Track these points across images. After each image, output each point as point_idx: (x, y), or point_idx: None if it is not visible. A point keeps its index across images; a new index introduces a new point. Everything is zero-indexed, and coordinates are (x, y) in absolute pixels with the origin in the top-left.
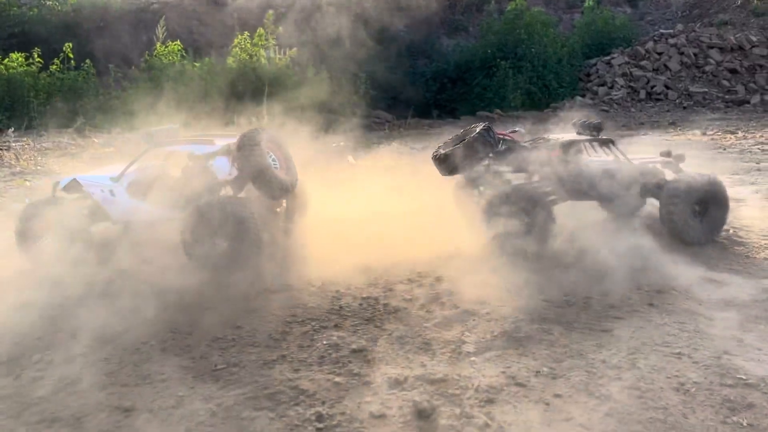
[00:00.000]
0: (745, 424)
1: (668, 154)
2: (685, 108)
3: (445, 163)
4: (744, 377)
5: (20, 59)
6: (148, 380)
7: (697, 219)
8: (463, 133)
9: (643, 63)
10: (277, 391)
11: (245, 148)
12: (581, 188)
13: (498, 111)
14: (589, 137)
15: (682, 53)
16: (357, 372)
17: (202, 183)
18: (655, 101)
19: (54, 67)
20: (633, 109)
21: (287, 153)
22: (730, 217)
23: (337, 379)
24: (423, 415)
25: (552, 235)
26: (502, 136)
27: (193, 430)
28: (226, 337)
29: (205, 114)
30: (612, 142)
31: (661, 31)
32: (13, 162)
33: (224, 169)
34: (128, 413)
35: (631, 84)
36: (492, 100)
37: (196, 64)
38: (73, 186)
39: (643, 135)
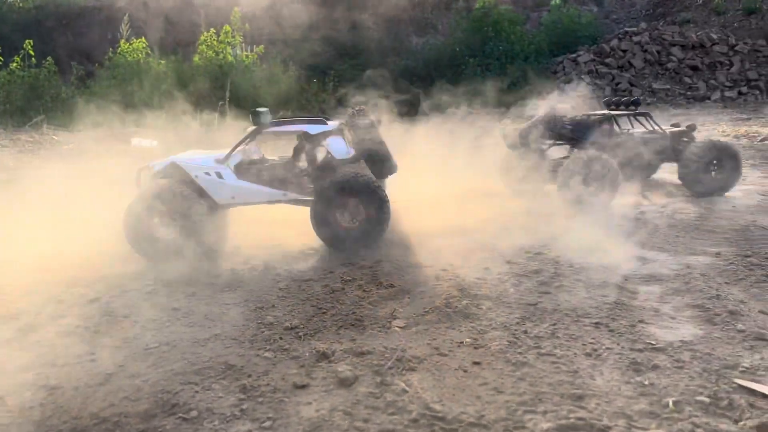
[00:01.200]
0: (646, 383)
1: (678, 125)
2: (648, 104)
3: (518, 139)
4: (654, 342)
5: None
6: (78, 360)
7: (709, 175)
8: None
9: (608, 60)
10: (205, 367)
11: (361, 125)
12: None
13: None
14: (629, 111)
15: (645, 51)
16: (287, 347)
17: (323, 162)
18: (620, 97)
19: (14, 64)
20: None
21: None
22: (672, 206)
23: (267, 354)
24: (344, 383)
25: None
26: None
27: (116, 404)
28: (161, 318)
29: (167, 110)
30: (649, 115)
31: (626, 29)
32: None
33: (341, 148)
34: (53, 391)
35: (597, 81)
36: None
37: (161, 61)
38: (169, 170)
39: None
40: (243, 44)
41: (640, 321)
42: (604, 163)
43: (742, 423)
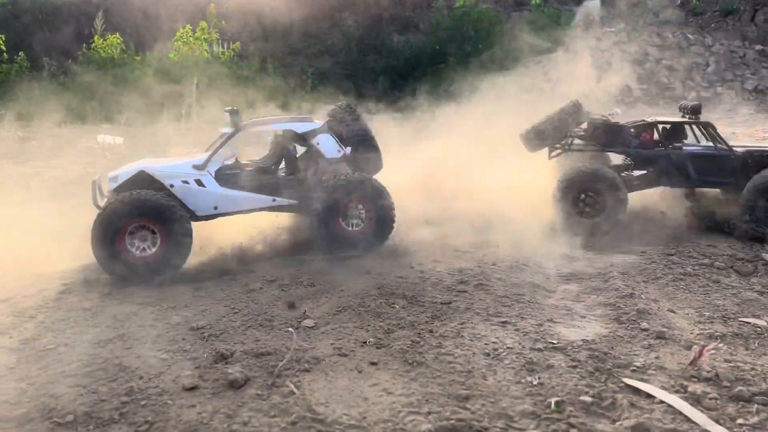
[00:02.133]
0: (535, 383)
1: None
2: (626, 103)
3: (530, 138)
4: (555, 342)
5: None
6: None
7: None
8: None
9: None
10: (98, 369)
11: (348, 118)
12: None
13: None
14: (688, 119)
15: (623, 51)
16: (187, 348)
17: (315, 163)
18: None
19: None
20: None
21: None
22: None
23: (164, 355)
24: (234, 385)
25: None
26: (600, 116)
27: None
28: (68, 318)
29: (142, 107)
30: (711, 126)
31: (604, 29)
32: None
33: (332, 147)
34: None
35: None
36: (442, 95)
37: (136, 57)
38: (137, 180)
39: None
40: (219, 41)
41: (549, 320)
42: (610, 183)
43: (619, 423)
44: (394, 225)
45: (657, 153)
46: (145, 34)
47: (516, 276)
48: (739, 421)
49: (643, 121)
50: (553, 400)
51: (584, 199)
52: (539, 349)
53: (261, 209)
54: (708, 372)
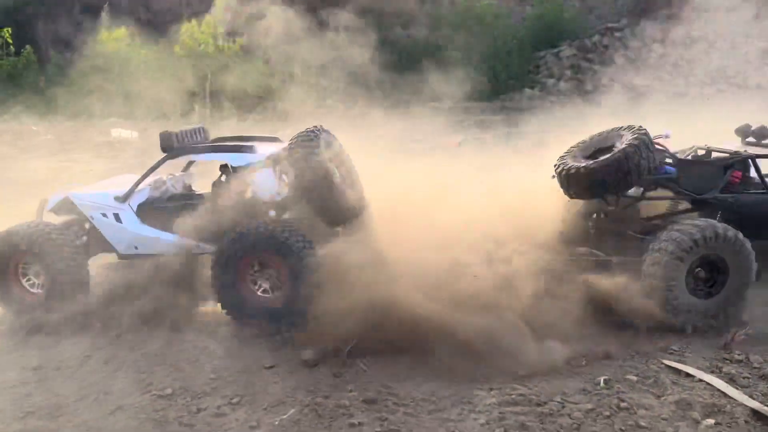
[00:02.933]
0: (583, 363)
1: None
2: (629, 99)
3: (577, 184)
4: None
5: None
6: None
7: None
8: (601, 139)
9: (590, 56)
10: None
11: (299, 156)
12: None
13: (447, 102)
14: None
15: (627, 47)
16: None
17: (242, 205)
18: (601, 93)
19: None
20: (579, 101)
21: (350, 164)
22: None
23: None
24: (308, 365)
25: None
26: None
27: None
28: None
29: (150, 102)
30: None
31: (608, 24)
32: None
33: (269, 186)
34: None
35: (578, 76)
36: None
37: (142, 51)
38: (64, 206)
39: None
40: (224, 35)
41: None
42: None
43: (663, 398)
44: (313, 299)
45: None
46: (150, 24)
47: None
48: None
49: (709, 150)
50: (602, 378)
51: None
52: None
53: (187, 254)
54: (739, 355)
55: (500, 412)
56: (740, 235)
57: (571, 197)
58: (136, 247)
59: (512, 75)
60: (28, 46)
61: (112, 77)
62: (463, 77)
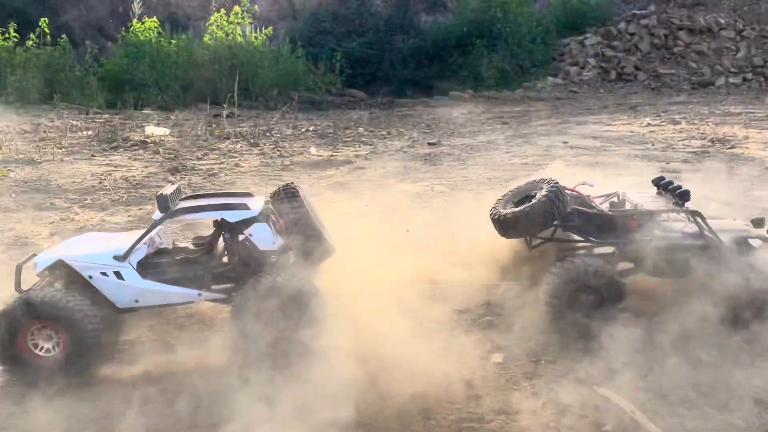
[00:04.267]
0: None
1: (761, 224)
2: (653, 89)
3: (504, 227)
4: None
5: None
6: None
7: None
8: (526, 189)
9: (615, 43)
10: None
11: (289, 208)
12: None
13: (470, 91)
14: (672, 207)
15: (652, 34)
16: None
17: (246, 256)
18: (625, 82)
19: (30, 42)
20: (602, 90)
21: (316, 211)
22: None
23: None
24: None
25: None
26: (570, 192)
27: None
28: None
29: (182, 93)
30: (700, 215)
31: (634, 11)
32: None
33: (266, 237)
34: None
35: (603, 64)
36: (467, 78)
37: (172, 41)
38: (57, 268)
39: (579, 125)
40: (252, 24)
41: None
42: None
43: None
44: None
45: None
46: (178, 12)
47: None
48: None
49: (617, 198)
50: None
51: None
52: None
53: (186, 303)
54: None
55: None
56: (613, 273)
57: (503, 236)
58: (136, 301)
59: (536, 63)
60: (64, 36)
61: (144, 67)
62: (488, 65)
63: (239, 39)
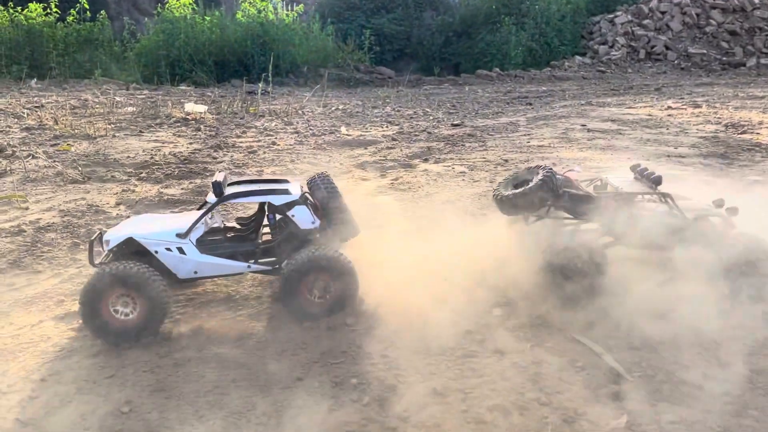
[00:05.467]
0: None
1: (721, 204)
2: (682, 69)
3: (505, 206)
4: None
5: (38, 9)
6: None
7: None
8: (524, 174)
9: (645, 22)
10: None
11: (322, 189)
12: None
13: (497, 69)
14: (647, 190)
15: (684, 13)
16: None
17: (291, 234)
18: (654, 61)
19: (71, 18)
20: (630, 70)
21: (343, 196)
22: None
23: None
24: None
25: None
26: (561, 177)
27: None
28: None
29: (215, 69)
30: (670, 196)
31: None
32: (52, 125)
33: (306, 218)
34: None
35: (632, 43)
36: (494, 57)
37: (207, 17)
38: (126, 245)
39: (600, 108)
40: (283, 0)
41: None
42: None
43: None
44: (355, 300)
45: None
46: None
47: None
48: None
49: (600, 182)
50: None
51: None
52: None
53: (238, 274)
54: None
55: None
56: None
57: (504, 214)
58: (195, 272)
59: (564, 41)
60: (102, 11)
61: (179, 43)
62: (515, 43)
63: (271, 16)
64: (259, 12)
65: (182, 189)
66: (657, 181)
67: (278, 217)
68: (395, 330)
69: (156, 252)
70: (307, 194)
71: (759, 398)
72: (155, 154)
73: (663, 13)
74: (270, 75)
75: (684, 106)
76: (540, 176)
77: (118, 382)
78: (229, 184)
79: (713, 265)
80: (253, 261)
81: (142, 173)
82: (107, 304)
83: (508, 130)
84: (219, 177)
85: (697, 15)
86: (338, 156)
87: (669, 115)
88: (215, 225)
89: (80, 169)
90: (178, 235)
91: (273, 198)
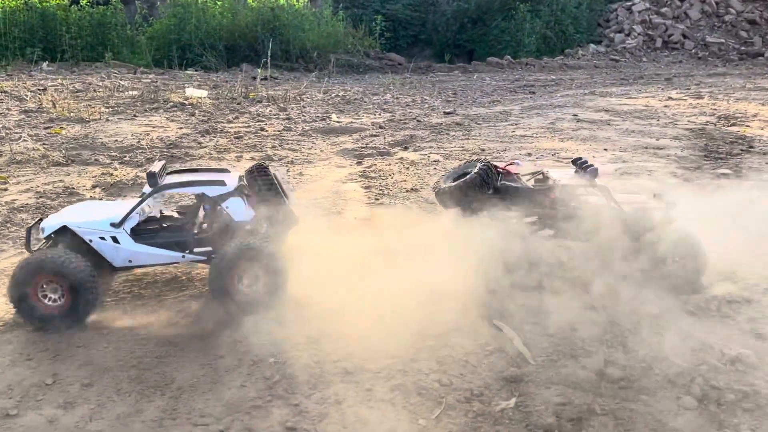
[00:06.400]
0: None
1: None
2: (699, 58)
3: (443, 199)
4: None
5: None
6: None
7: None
8: (463, 167)
9: (663, 10)
10: None
11: (259, 182)
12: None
13: (508, 57)
14: (585, 183)
15: (703, 1)
16: None
17: (221, 225)
18: (671, 50)
19: (84, 1)
20: (645, 59)
21: (286, 187)
22: None
23: None
24: None
25: None
26: (501, 171)
27: None
28: None
29: (225, 54)
30: (606, 189)
31: None
32: (50, 108)
33: (240, 210)
34: None
35: (649, 32)
36: (509, 44)
37: (218, 2)
38: (62, 233)
39: (601, 98)
40: None
41: None
42: None
43: None
44: (284, 293)
45: None
46: None
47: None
48: None
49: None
50: None
51: None
52: None
53: (172, 263)
54: None
55: None
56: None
57: (444, 207)
58: (130, 261)
59: (579, 29)
60: None
61: (190, 27)
62: (530, 30)
63: (282, 1)
64: None
65: None
66: (593, 173)
67: (218, 208)
68: (316, 316)
69: (90, 241)
70: (243, 186)
71: (653, 383)
72: (143, 139)
73: (682, 1)
74: (278, 60)
75: (685, 97)
76: (476, 169)
77: (50, 355)
78: (168, 173)
79: (643, 256)
80: (188, 251)
81: (125, 157)
82: (35, 289)
83: (498, 119)
84: (156, 167)
85: (717, 3)
86: (321, 143)
87: (665, 106)
88: (152, 214)
89: (64, 152)
90: (113, 225)
91: (207, 189)
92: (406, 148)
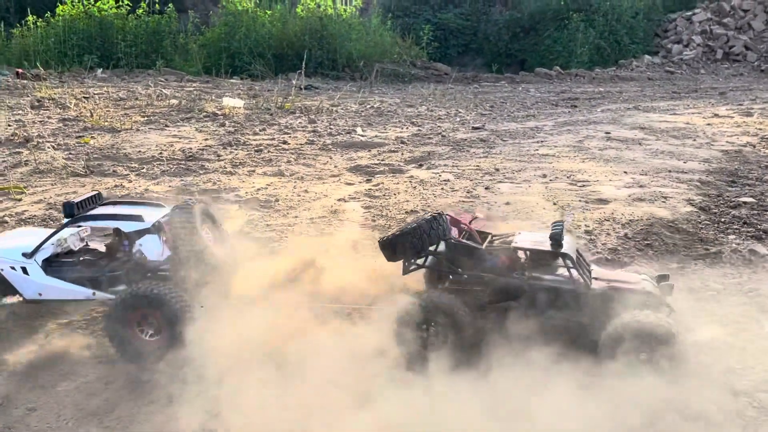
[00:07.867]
0: None
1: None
2: (762, 71)
3: (385, 250)
4: None
5: (111, 2)
6: None
7: None
8: (416, 220)
9: (726, 20)
10: None
11: (179, 228)
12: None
13: (557, 68)
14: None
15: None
16: None
17: (132, 264)
18: (732, 62)
19: (140, 10)
20: (703, 71)
21: (221, 226)
22: None
23: None
24: None
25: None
26: (464, 226)
27: None
28: None
29: (273, 63)
30: (570, 258)
31: None
32: (88, 117)
33: (154, 249)
34: None
35: (709, 43)
36: (560, 54)
37: (268, 11)
38: None
39: (643, 113)
40: None
41: None
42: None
43: None
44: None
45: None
46: None
47: None
48: None
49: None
50: None
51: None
52: None
53: (83, 300)
54: None
55: None
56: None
57: (388, 260)
58: (40, 294)
59: (635, 39)
60: (170, 5)
61: (240, 36)
62: (583, 40)
63: (330, 11)
64: (318, 6)
65: (169, 186)
66: (555, 239)
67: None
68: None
69: (2, 270)
70: (162, 223)
71: None
72: (165, 150)
73: (745, 11)
74: (325, 69)
75: (733, 114)
76: (420, 220)
77: (4, 377)
78: (101, 204)
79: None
80: (99, 289)
81: (143, 168)
82: None
83: (526, 135)
84: (78, 197)
85: None
86: (338, 158)
87: (708, 124)
88: (71, 247)
89: (86, 162)
90: (24, 255)
91: (123, 224)
92: (420, 166)
